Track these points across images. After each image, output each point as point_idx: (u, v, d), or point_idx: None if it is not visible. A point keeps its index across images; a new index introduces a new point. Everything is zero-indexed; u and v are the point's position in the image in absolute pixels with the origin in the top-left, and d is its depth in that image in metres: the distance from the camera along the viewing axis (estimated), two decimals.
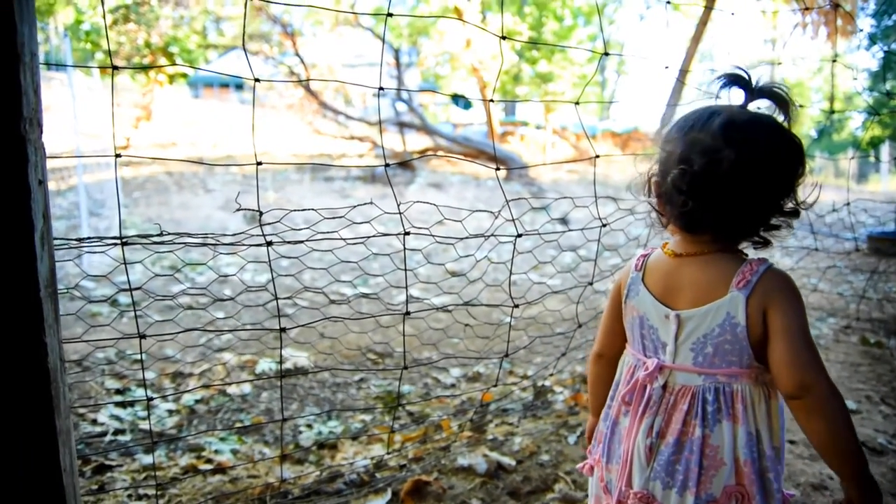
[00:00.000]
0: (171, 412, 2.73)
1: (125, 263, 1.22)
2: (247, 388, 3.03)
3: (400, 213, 1.31)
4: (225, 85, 25.13)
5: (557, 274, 5.13)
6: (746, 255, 1.10)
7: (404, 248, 1.34)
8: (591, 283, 1.78)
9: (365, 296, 2.99)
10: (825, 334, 4.16)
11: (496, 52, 14.02)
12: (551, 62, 17.65)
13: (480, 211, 1.62)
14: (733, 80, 1.09)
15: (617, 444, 1.16)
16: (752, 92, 1.08)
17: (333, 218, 1.31)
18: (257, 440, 2.52)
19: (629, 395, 1.14)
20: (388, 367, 2.71)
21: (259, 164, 1.36)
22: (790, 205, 1.08)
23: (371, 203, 1.35)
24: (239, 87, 23.55)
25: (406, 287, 1.47)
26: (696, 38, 15.19)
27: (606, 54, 1.93)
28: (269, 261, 1.32)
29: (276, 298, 1.31)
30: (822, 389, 0.97)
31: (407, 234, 1.33)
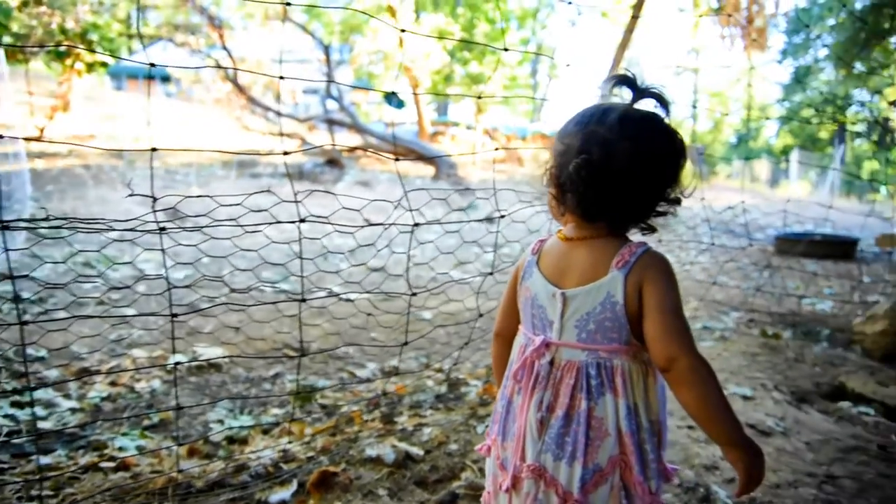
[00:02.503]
0: (74, 410, 2.63)
1: (6, 250, 1.18)
2: (156, 383, 2.96)
3: (297, 202, 1.33)
4: (150, 77, 24.19)
5: (470, 268, 5.21)
6: (630, 239, 1.17)
7: (300, 237, 1.35)
8: (491, 273, 1.84)
9: (283, 291, 2.98)
10: (730, 327, 4.40)
11: (429, 50, 14.08)
12: (482, 63, 17.87)
13: (378, 200, 1.64)
14: (623, 80, 1.17)
15: (511, 422, 1.21)
16: (639, 92, 1.16)
17: (259, 211, 1.31)
18: (165, 436, 2.47)
19: (520, 373, 1.19)
20: (286, 357, 2.69)
21: (154, 149, 1.35)
22: (673, 194, 1.17)
23: (269, 191, 1.35)
24: (165, 79, 22.73)
25: (301, 276, 1.48)
26: (623, 45, 15.68)
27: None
28: (163, 248, 1.31)
29: (171, 287, 1.30)
30: (688, 361, 1.05)
31: (303, 221, 1.35)
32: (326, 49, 14.87)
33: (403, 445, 2.20)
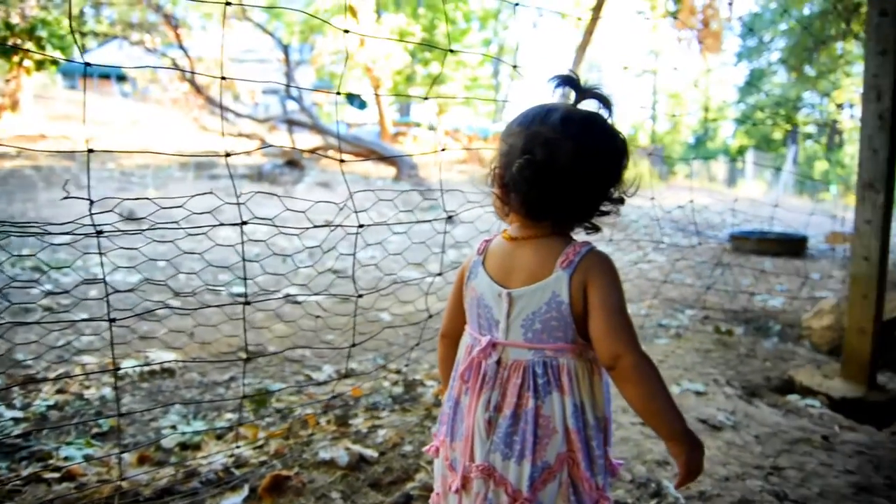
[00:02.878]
0: (17, 420, 2.55)
1: None
2: (107, 390, 2.88)
3: (239, 205, 1.30)
4: (105, 76, 23.57)
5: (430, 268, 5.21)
6: (574, 239, 1.18)
7: (241, 239, 1.33)
8: (440, 274, 1.84)
9: (237, 294, 2.93)
10: (685, 324, 4.49)
11: (390, 51, 14.04)
12: (443, 64, 17.91)
13: (324, 202, 1.63)
14: (565, 81, 1.17)
15: (459, 422, 1.21)
16: (582, 92, 1.17)
17: (204, 213, 1.29)
18: (115, 444, 2.41)
19: (467, 373, 1.20)
20: (240, 360, 2.65)
21: (90, 151, 1.31)
22: (617, 193, 1.18)
23: (211, 193, 1.33)
24: (121, 78, 22.13)
25: (245, 278, 1.46)
26: (583, 47, 15.87)
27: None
28: (100, 251, 1.28)
29: (109, 292, 1.26)
30: (633, 358, 1.07)
31: (245, 223, 1.33)
32: (286, 49, 14.70)
33: (357, 448, 2.19)
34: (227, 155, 1.37)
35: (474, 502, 1.16)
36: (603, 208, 1.19)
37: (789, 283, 6.12)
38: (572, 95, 1.19)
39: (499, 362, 1.16)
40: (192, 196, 1.33)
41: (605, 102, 1.17)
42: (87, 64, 1.29)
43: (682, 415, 1.10)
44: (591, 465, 1.13)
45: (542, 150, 1.10)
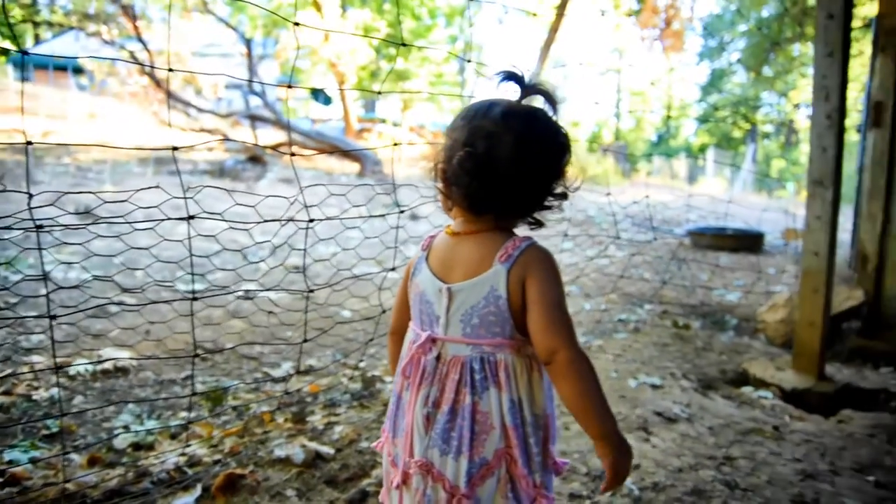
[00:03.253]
0: None
1: None
2: (56, 391, 2.80)
3: (186, 199, 1.28)
4: (62, 68, 22.84)
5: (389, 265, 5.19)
6: (516, 234, 1.17)
7: (188, 235, 1.30)
8: (393, 269, 1.83)
9: (194, 291, 2.88)
10: (643, 318, 4.55)
11: (355, 47, 13.93)
12: (408, 60, 17.84)
13: (273, 196, 1.61)
14: (510, 76, 1.17)
15: (401, 418, 1.21)
16: (526, 88, 1.16)
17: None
18: (65, 446, 2.34)
19: (408, 369, 1.19)
20: (181, 357, 2.60)
21: (29, 143, 1.27)
22: (560, 189, 1.18)
23: (157, 187, 1.30)
24: (77, 71, 21.46)
25: (192, 273, 1.43)
26: (548, 44, 15.99)
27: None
28: (40, 246, 1.24)
29: (52, 289, 1.22)
30: (568, 354, 1.06)
31: (192, 217, 1.30)
32: (248, 43, 14.48)
33: (313, 445, 2.17)
34: (175, 149, 1.33)
35: (414, 498, 1.15)
36: (545, 203, 1.18)
37: (746, 279, 6.26)
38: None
39: (438, 358, 1.16)
40: (139, 190, 1.30)
41: (550, 99, 1.18)
42: (25, 53, 1.25)
43: (614, 417, 1.09)
44: (529, 461, 1.12)
45: (483, 144, 1.09)
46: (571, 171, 1.20)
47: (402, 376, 1.21)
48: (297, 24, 1.45)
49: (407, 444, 1.17)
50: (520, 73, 1.17)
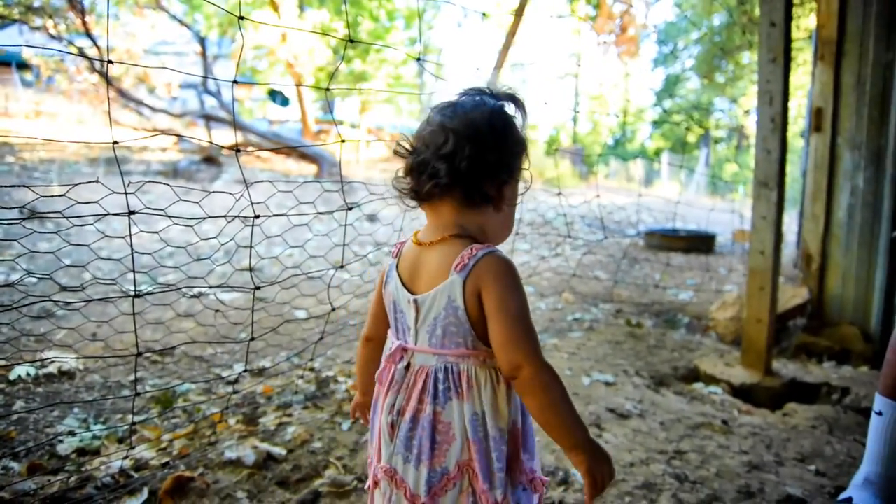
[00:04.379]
0: None
1: None
2: None
3: (126, 194, 1.24)
4: (5, 63, 21.95)
5: (352, 267, 5.16)
6: (476, 242, 1.14)
7: (129, 232, 1.27)
8: (342, 267, 1.81)
9: (150, 293, 2.80)
10: (598, 317, 4.62)
11: (312, 47, 13.80)
12: (366, 62, 17.77)
13: (219, 192, 1.58)
14: (475, 91, 1.20)
15: (374, 424, 1.22)
16: (494, 97, 1.19)
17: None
18: (5, 454, 2.26)
19: (382, 376, 1.19)
20: (122, 356, 2.54)
21: None
22: (513, 184, 1.19)
23: (97, 181, 1.26)
24: (22, 66, 20.65)
25: (133, 270, 1.39)
26: (506, 48, 16.12)
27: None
28: None
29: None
30: (532, 368, 1.04)
31: (133, 213, 1.27)
32: (202, 41, 14.20)
33: (265, 446, 2.13)
34: (115, 143, 1.30)
35: (384, 502, 1.16)
36: (494, 194, 1.16)
37: (697, 278, 6.41)
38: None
39: (408, 367, 1.16)
40: (77, 184, 1.26)
41: (517, 102, 1.20)
42: None
43: (585, 426, 1.08)
44: (490, 477, 1.10)
45: (441, 139, 1.10)
46: (527, 170, 1.21)
47: (378, 383, 1.21)
48: (241, 17, 1.42)
49: (376, 449, 1.19)
50: (487, 89, 1.20)
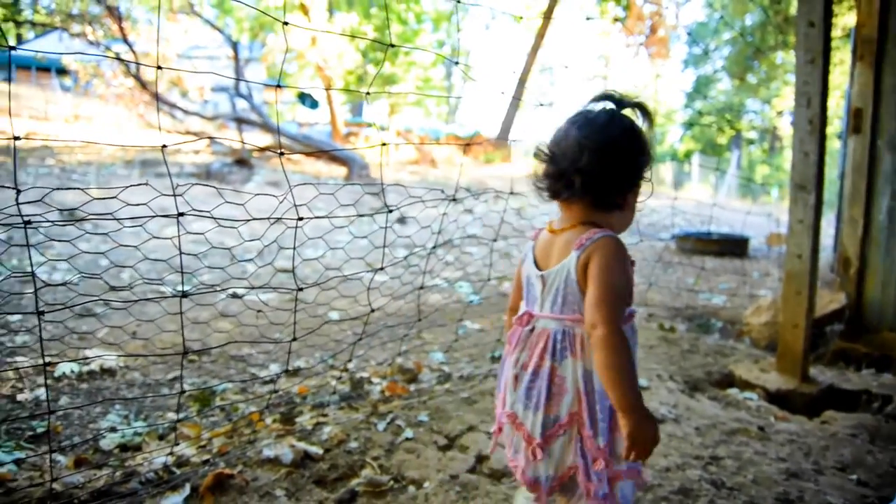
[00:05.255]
0: None
1: None
2: (41, 392, 2.78)
3: (175, 196, 1.28)
4: (45, 68, 22.59)
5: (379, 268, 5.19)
6: (598, 227, 1.33)
7: (178, 232, 1.30)
8: (382, 269, 1.84)
9: (183, 292, 2.85)
10: None
11: (342, 51, 13.93)
12: (395, 64, 17.88)
13: (262, 195, 1.61)
14: (605, 97, 1.39)
15: (501, 377, 1.46)
16: (621, 104, 1.38)
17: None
18: (51, 448, 2.32)
19: (512, 338, 1.41)
20: (169, 355, 2.59)
21: (17, 138, 1.27)
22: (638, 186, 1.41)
23: (146, 184, 1.30)
24: (61, 71, 21.23)
25: (182, 271, 1.43)
26: (535, 50, 16.09)
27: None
28: (28, 243, 1.23)
29: (39, 286, 1.22)
30: (605, 329, 1.20)
31: (181, 215, 1.30)
32: (235, 46, 14.42)
33: (302, 445, 2.16)
34: (164, 147, 1.34)
35: (507, 442, 1.41)
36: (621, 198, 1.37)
37: (731, 282, 6.32)
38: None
39: (532, 330, 1.37)
40: (127, 187, 1.30)
41: (643, 110, 1.40)
42: (12, 48, 1.24)
43: (639, 392, 1.22)
44: (594, 425, 1.29)
45: (579, 152, 1.30)
46: (649, 180, 1.42)
47: (508, 343, 1.43)
48: (286, 23, 1.45)
49: (501, 398, 1.42)
50: (614, 94, 1.39)
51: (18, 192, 1.25)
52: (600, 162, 1.28)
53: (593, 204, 1.34)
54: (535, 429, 1.31)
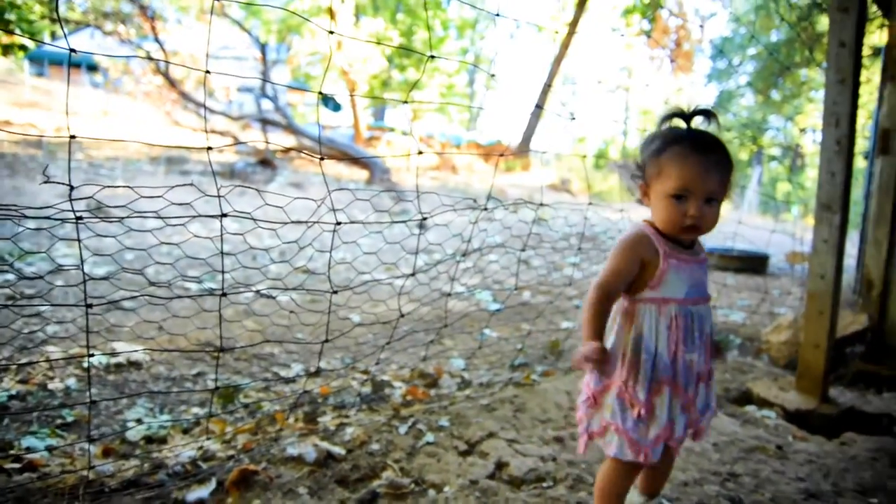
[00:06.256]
0: None
1: None
2: (72, 381, 2.85)
3: (219, 197, 1.33)
4: (75, 65, 23.02)
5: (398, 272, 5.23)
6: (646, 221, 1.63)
7: (221, 231, 1.35)
8: (413, 274, 1.87)
9: (208, 289, 2.92)
10: None
11: (367, 55, 14.06)
12: (420, 70, 17.98)
13: (303, 198, 1.66)
14: (675, 113, 1.61)
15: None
16: (691, 114, 1.59)
17: (181, 205, 1.30)
18: (80, 436, 2.38)
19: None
20: (208, 353, 2.65)
21: (73, 137, 1.32)
22: None
23: (191, 184, 1.35)
24: (91, 68, 21.64)
25: (223, 271, 1.47)
26: (559, 60, 16.12)
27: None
28: (79, 239, 1.29)
29: (87, 279, 1.27)
30: (591, 289, 1.54)
31: (224, 215, 1.35)
32: (262, 47, 14.60)
33: (325, 445, 2.20)
34: (210, 149, 1.38)
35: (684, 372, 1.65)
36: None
37: (751, 299, 6.29)
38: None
39: None
40: (172, 187, 1.35)
41: (709, 115, 1.61)
42: (73, 50, 1.30)
43: (592, 334, 1.49)
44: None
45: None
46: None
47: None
48: (331, 32, 1.50)
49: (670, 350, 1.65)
50: (683, 109, 1.60)
51: (72, 188, 1.30)
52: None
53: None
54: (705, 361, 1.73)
